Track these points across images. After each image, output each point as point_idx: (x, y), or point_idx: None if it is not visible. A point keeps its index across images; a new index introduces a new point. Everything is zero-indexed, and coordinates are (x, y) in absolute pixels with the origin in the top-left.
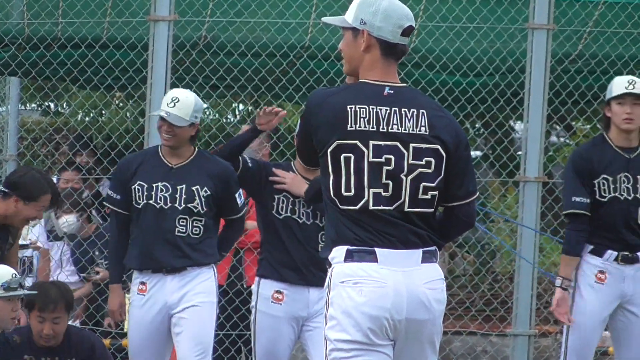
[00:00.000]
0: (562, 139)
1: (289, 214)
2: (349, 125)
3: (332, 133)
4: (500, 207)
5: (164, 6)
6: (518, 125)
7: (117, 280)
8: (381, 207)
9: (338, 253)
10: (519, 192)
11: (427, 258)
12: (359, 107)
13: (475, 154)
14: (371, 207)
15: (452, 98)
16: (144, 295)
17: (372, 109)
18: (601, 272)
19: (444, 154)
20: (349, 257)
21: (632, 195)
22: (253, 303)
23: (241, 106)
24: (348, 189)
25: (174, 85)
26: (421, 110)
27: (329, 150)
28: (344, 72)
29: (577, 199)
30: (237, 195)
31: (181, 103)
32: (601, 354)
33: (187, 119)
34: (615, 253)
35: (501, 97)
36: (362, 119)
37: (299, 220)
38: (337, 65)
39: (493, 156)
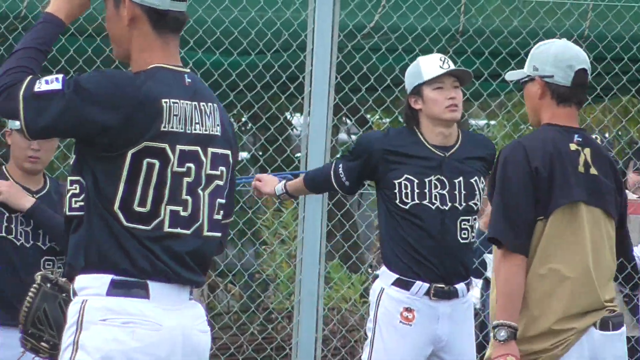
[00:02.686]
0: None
1: (3, 234)
2: (162, 125)
3: (142, 131)
4: (274, 225)
5: None
6: (296, 120)
7: None
8: (178, 230)
9: (97, 282)
10: (299, 205)
11: (190, 294)
12: (173, 102)
13: (240, 155)
14: (166, 228)
15: (210, 83)
16: None
17: (183, 103)
18: (408, 309)
19: (231, 162)
20: (115, 288)
21: (450, 204)
22: None
23: None
24: (143, 204)
25: None
26: (215, 104)
27: (131, 151)
28: (116, 57)
29: (342, 175)
30: None
31: None
32: None
33: None
34: (427, 285)
35: (274, 82)
36: (175, 117)
37: (16, 241)
38: (80, 42)
39: (264, 158)
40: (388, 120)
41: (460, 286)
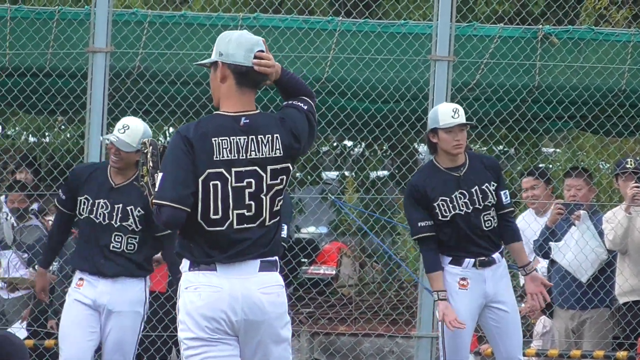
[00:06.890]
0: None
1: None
2: (214, 156)
3: (201, 163)
4: (405, 221)
5: (101, 39)
6: (421, 148)
7: (43, 265)
8: (244, 226)
9: (184, 264)
10: None
11: (264, 267)
12: (221, 139)
13: (382, 173)
14: (235, 226)
15: (362, 123)
16: (79, 289)
17: (234, 139)
18: (462, 279)
19: (291, 168)
20: (192, 266)
21: (471, 207)
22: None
23: (171, 129)
24: (216, 212)
25: (110, 111)
26: (275, 135)
27: (201, 179)
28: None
29: (422, 224)
30: None
31: (130, 130)
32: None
33: (134, 145)
34: (473, 259)
35: (406, 122)
36: (225, 150)
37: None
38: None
39: (399, 175)
40: (485, 148)
41: (496, 255)
